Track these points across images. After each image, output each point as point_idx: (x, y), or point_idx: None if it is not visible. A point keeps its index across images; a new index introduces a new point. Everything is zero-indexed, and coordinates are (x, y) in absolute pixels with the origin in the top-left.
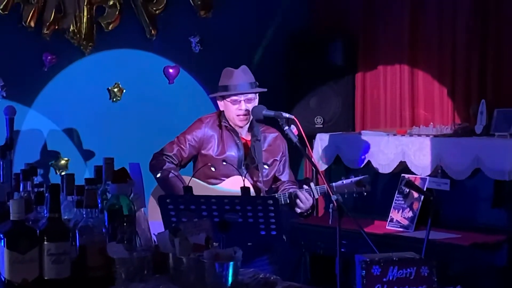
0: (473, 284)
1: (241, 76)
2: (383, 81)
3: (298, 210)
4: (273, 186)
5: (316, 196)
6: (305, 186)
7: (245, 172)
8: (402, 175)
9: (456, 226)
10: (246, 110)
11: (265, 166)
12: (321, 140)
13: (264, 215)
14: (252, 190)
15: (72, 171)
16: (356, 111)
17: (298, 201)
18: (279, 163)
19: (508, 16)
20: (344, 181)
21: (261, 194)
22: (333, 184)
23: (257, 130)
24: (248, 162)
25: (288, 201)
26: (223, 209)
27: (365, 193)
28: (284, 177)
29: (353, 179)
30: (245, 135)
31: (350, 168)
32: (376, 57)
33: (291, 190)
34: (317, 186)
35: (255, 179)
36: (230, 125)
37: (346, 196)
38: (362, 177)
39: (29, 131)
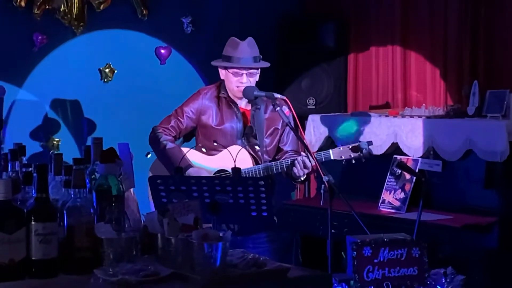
0: (464, 266)
1: (246, 49)
2: (375, 62)
3: (296, 173)
4: (276, 157)
5: (312, 163)
6: (302, 153)
7: (245, 144)
8: (394, 156)
9: (447, 207)
10: (247, 83)
11: (257, 147)
12: (313, 121)
13: (255, 196)
14: (252, 165)
15: (62, 151)
16: (348, 92)
17: (293, 167)
18: (282, 132)
19: None
20: (341, 147)
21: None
22: (331, 150)
23: (258, 99)
24: (248, 132)
25: (284, 169)
26: (214, 190)
27: (363, 160)
28: (288, 146)
29: (351, 144)
30: (245, 105)
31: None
32: (368, 39)
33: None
34: (314, 153)
35: (255, 148)
36: (229, 96)
37: (344, 162)
38: (361, 142)
39: (19, 111)
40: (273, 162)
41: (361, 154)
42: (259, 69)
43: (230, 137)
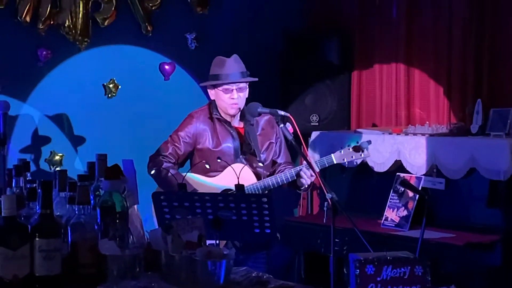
0: (467, 284)
1: (233, 65)
2: (379, 79)
3: (304, 183)
4: (270, 170)
5: (317, 170)
6: (304, 162)
7: (244, 162)
8: (397, 174)
9: (450, 225)
10: (238, 99)
11: (260, 163)
12: (316, 138)
13: (258, 212)
14: (257, 180)
15: (66, 167)
16: (351, 109)
17: (301, 179)
18: (275, 145)
19: (504, 15)
20: (342, 150)
21: (262, 179)
22: (332, 154)
23: (248, 116)
24: (245, 150)
25: (289, 180)
26: (217, 206)
27: (365, 159)
28: (281, 159)
29: (351, 146)
30: (237, 123)
31: (345, 166)
32: (372, 56)
33: (286, 170)
34: (316, 160)
35: (254, 165)
36: (221, 116)
37: (347, 164)
38: (361, 142)
39: (23, 126)
40: (278, 175)
41: (361, 153)
42: (247, 85)
43: (229, 157)
